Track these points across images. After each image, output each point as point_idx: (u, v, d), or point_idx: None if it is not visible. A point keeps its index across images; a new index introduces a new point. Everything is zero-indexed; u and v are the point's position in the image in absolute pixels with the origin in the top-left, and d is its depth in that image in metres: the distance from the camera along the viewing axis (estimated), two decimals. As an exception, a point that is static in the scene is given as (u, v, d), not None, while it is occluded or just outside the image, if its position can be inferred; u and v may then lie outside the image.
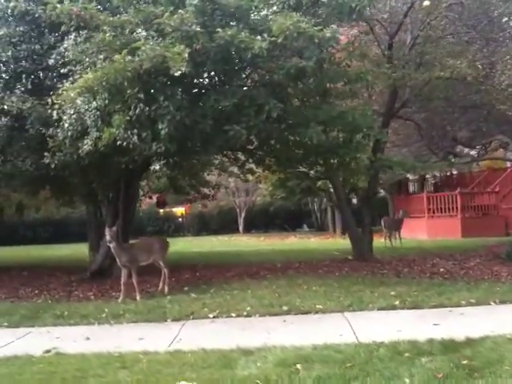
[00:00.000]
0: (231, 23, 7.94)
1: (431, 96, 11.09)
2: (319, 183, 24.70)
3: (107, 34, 6.75)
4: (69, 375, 5.12)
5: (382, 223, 15.82)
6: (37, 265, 14.68)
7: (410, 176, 25.41)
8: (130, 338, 6.42)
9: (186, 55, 6.31)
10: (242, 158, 11.93)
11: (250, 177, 15.05)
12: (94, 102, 7.18)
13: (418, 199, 21.58)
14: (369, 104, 8.81)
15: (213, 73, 7.85)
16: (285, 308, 7.45)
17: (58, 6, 6.90)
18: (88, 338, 6.53)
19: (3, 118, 8.65)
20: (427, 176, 26.21)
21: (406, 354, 5.13)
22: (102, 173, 9.74)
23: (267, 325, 6.77)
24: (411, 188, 26.33)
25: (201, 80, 8.16)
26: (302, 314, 7.24)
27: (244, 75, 8.47)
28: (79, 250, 20.03)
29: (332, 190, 26.37)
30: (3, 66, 9.13)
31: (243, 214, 31.02)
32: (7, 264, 15.53)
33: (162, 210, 31.61)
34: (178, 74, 6.34)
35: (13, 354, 5.85)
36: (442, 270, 10.02)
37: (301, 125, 7.84)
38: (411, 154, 18.44)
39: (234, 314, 7.36)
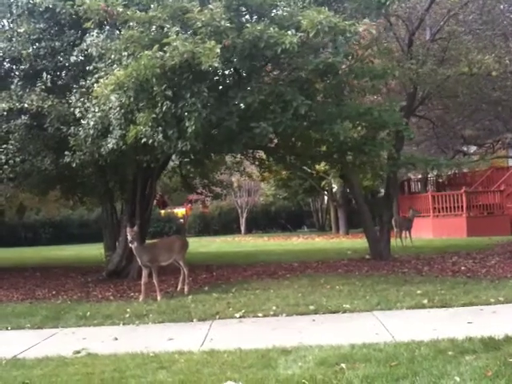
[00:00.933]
0: (253, 19, 7.90)
1: (455, 92, 11.01)
2: (323, 183, 24.83)
3: (135, 30, 6.65)
4: (107, 376, 5.01)
5: (393, 222, 15.75)
6: (47, 266, 14.56)
7: (411, 175, 25.47)
8: (159, 338, 6.34)
9: (218, 50, 6.23)
10: (261, 156, 11.82)
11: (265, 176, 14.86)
12: (118, 100, 7.07)
13: (423, 198, 21.59)
14: (396, 100, 8.72)
15: (239, 69, 7.73)
16: (311, 307, 7.38)
17: (87, 1, 6.80)
18: (116, 339, 6.43)
19: (23, 117, 8.53)
20: (429, 175, 26.24)
21: (449, 353, 5.05)
22: (120, 172, 9.62)
23: (297, 324, 6.69)
24: (413, 187, 26.37)
25: (227, 77, 8.06)
26: (330, 313, 7.17)
27: (270, 71, 8.38)
28: (84, 251, 20.02)
29: (334, 190, 26.61)
30: (23, 63, 8.99)
31: (245, 215, 30.90)
32: (15, 265, 15.42)
33: (162, 211, 31.48)
34: (209, 68, 6.23)
35: (44, 355, 5.75)
36: (463, 268, 9.96)
37: (325, 121, 7.76)
38: (420, 152, 18.40)
39: (260, 314, 7.29)
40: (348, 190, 26.23)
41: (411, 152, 17.78)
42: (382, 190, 29.04)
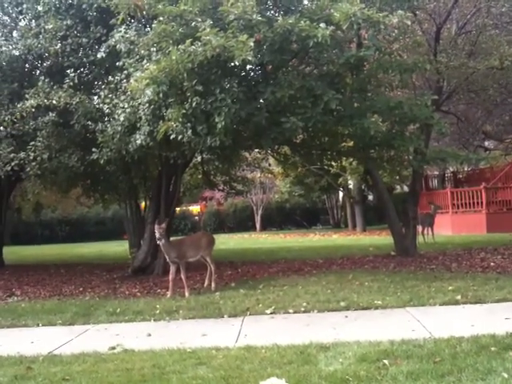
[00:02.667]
0: (280, 13, 7.85)
1: (483, 86, 10.88)
2: (340, 179, 24.74)
3: (168, 25, 6.62)
4: (147, 372, 4.99)
5: (415, 219, 15.60)
6: (70, 263, 14.63)
7: (428, 171, 25.26)
8: (193, 334, 6.32)
9: (252, 44, 6.19)
10: (286, 151, 11.75)
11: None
12: (152, 95, 7.04)
13: (441, 195, 21.45)
14: (428, 94, 8.61)
15: (267, 63, 7.65)
16: (342, 304, 7.32)
17: (119, -6, 6.80)
18: (149, 335, 6.43)
19: (50, 114, 8.53)
20: (446, 172, 26.06)
21: (492, 349, 4.97)
22: (144, 169, 9.61)
23: (330, 320, 6.64)
24: (430, 184, 26.21)
25: (255, 71, 8.01)
26: (362, 309, 7.10)
27: (297, 66, 8.31)
28: (105, 249, 20.10)
29: (351, 187, 26.50)
30: (49, 60, 9.00)
31: (260, 212, 30.86)
32: (37, 262, 15.50)
33: (177, 208, 31.45)
34: (241, 62, 6.20)
35: (80, 352, 5.74)
36: (492, 264, 9.83)
37: (355, 116, 7.68)
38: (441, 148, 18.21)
39: (291, 310, 7.25)
40: (364, 186, 26.32)
41: (431, 148, 17.64)
42: (398, 187, 29.05)
